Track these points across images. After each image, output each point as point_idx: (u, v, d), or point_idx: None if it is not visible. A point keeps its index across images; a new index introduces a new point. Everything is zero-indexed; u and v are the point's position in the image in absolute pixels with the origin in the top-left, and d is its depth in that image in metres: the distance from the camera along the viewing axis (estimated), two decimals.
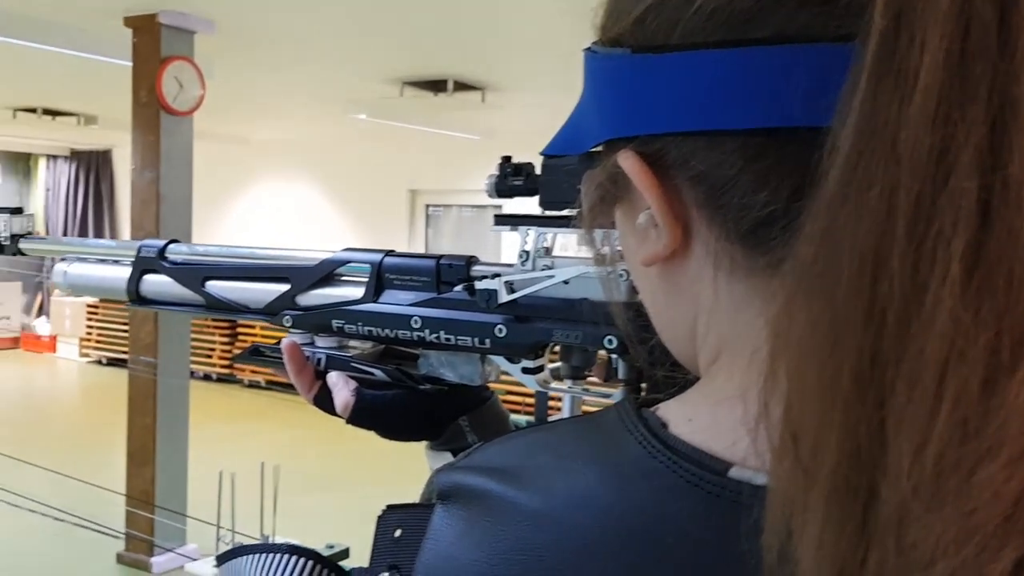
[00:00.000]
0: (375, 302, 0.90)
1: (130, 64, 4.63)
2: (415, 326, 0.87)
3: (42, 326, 11.74)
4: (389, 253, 0.92)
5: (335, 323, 0.93)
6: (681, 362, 0.52)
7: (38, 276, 12.10)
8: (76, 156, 12.19)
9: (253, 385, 9.47)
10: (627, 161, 0.44)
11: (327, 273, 0.95)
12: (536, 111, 7.29)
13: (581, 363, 0.84)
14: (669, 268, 0.47)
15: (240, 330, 9.62)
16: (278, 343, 1.00)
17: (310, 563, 0.65)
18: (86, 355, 11.07)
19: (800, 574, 0.35)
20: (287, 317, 0.97)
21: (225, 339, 9.64)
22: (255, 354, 1.04)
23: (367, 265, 0.92)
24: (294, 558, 0.65)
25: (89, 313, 10.98)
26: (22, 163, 12.50)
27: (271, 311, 0.99)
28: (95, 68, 5.93)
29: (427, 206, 9.58)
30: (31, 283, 12.04)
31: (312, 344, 0.97)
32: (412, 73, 5.79)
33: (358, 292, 0.92)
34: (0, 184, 12.29)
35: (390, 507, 0.53)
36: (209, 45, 4.89)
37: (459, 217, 9.53)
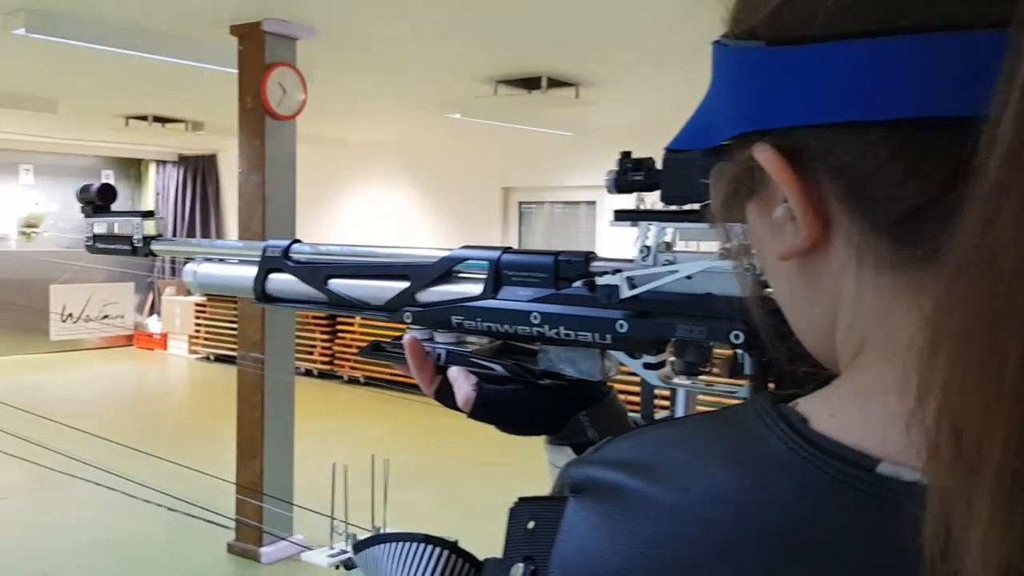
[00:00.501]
0: (494, 298, 0.92)
1: (236, 71, 4.78)
2: (534, 322, 0.88)
3: (154, 324, 12.27)
4: (507, 250, 0.93)
5: (454, 319, 0.95)
6: (815, 356, 0.51)
7: (150, 276, 12.65)
8: (184, 161, 12.69)
9: (352, 381, 9.70)
10: (764, 154, 0.44)
11: (446, 270, 0.97)
12: (631, 106, 7.25)
13: (696, 359, 0.83)
14: (807, 262, 0.46)
15: (339, 328, 9.86)
16: (398, 339, 1.02)
17: (445, 552, 0.66)
18: (195, 352, 11.53)
19: (964, 573, 0.34)
20: (407, 313, 0.99)
21: (325, 336, 9.90)
22: (376, 350, 1.06)
23: (485, 262, 0.93)
24: (430, 547, 0.66)
25: (197, 312, 11.42)
26: (133, 168, 13.08)
27: (391, 307, 1.01)
28: (202, 76, 6.17)
29: (520, 203, 9.62)
30: (143, 283, 12.60)
31: (431, 340, 0.99)
32: (506, 71, 5.82)
33: (476, 288, 0.94)
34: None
35: (522, 499, 0.54)
36: (310, 50, 5.03)
37: (551, 214, 9.54)
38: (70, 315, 11.55)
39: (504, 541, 0.52)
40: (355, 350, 9.69)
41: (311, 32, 4.78)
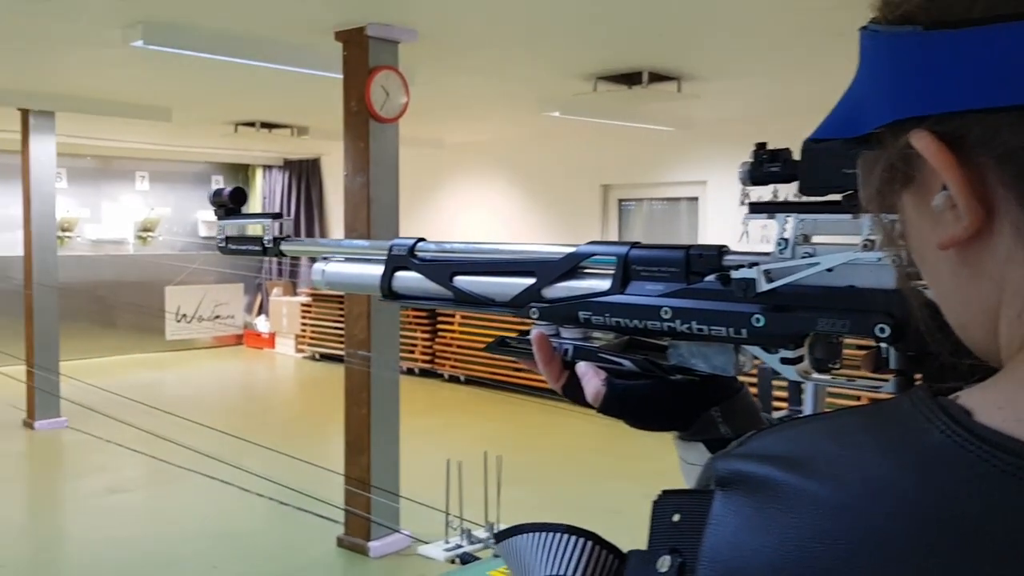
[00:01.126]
0: (622, 293, 0.91)
1: (341, 76, 4.90)
2: (665, 316, 0.87)
3: (262, 324, 12.69)
4: (635, 245, 0.93)
5: (582, 314, 0.94)
6: (972, 348, 0.50)
7: (258, 278, 13.09)
8: (289, 165, 13.08)
9: (452, 379, 9.83)
10: (922, 141, 0.43)
11: (572, 266, 0.97)
12: (735, 99, 7.12)
13: (826, 355, 0.81)
14: (968, 251, 0.45)
15: (440, 327, 10.00)
16: (523, 334, 1.02)
17: (589, 543, 0.66)
18: (301, 351, 11.87)
19: None
20: (533, 309, 0.99)
21: (426, 335, 10.05)
22: (502, 345, 1.07)
23: (613, 257, 0.93)
24: (574, 537, 0.66)
25: (303, 312, 11.77)
26: (241, 173, 13.55)
27: (517, 304, 1.02)
28: (307, 82, 6.34)
29: (620, 201, 9.56)
30: (252, 285, 13.05)
31: (557, 335, 1.00)
32: (605, 67, 5.80)
33: (603, 284, 0.93)
34: None
35: (666, 492, 0.53)
36: (411, 53, 5.11)
37: (650, 211, 9.45)
38: (184, 315, 12.06)
39: (648, 534, 0.52)
40: (455, 349, 9.82)
41: (413, 35, 4.86)
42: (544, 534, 0.68)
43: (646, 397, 0.91)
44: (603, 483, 6.22)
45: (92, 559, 4.87)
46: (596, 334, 0.99)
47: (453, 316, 9.85)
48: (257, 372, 11.39)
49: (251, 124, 9.01)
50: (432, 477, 5.38)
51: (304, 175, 12.93)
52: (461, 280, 1.06)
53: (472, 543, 1.72)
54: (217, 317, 12.26)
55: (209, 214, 13.05)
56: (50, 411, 7.85)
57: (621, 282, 0.92)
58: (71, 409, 7.75)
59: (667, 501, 0.53)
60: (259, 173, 13.47)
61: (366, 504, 4.69)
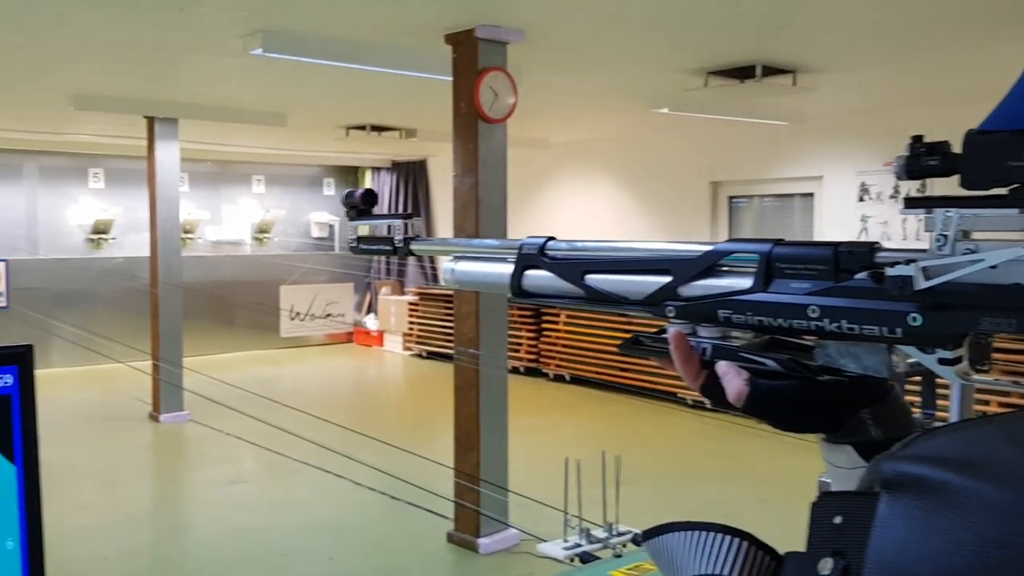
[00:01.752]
0: (765, 291, 0.89)
1: (450, 78, 4.96)
2: (812, 315, 0.85)
3: (371, 322, 13.00)
4: (778, 242, 0.90)
5: (722, 313, 0.93)
6: None
7: (367, 277, 13.41)
8: (396, 167, 13.36)
9: (558, 379, 9.84)
10: None
11: (711, 264, 0.95)
12: (854, 91, 6.89)
13: (976, 356, 0.77)
14: None
15: (545, 327, 10.02)
16: (658, 333, 1.01)
17: (745, 543, 0.65)
18: (409, 348, 12.11)
19: None
20: (670, 308, 0.98)
21: (531, 334, 10.10)
22: (635, 344, 1.06)
23: (755, 255, 0.91)
24: (728, 537, 0.65)
25: (411, 311, 11.99)
26: (351, 175, 13.91)
27: (652, 302, 1.00)
28: (417, 85, 6.45)
29: (730, 198, 9.37)
30: (361, 284, 13.38)
31: (694, 334, 0.98)
32: (717, 62, 5.70)
33: (744, 282, 0.91)
34: (333, 195, 13.76)
35: (827, 494, 0.52)
36: (519, 54, 5.14)
37: (760, 208, 9.23)
38: (298, 314, 12.45)
39: (807, 536, 0.51)
40: (560, 348, 9.82)
41: (520, 36, 4.88)
42: (697, 533, 0.67)
43: (791, 398, 0.88)
44: (714, 486, 6.12)
45: (214, 548, 5.08)
46: (735, 333, 0.97)
47: (558, 315, 9.86)
48: (366, 369, 11.66)
49: (361, 127, 9.23)
50: (539, 475, 5.40)
51: (411, 176, 13.17)
52: (593, 279, 1.06)
53: (591, 542, 1.72)
54: (328, 315, 12.61)
55: (321, 215, 13.48)
56: (174, 405, 8.22)
57: (764, 280, 0.90)
58: (193, 403, 8.11)
59: (828, 503, 0.52)
60: (368, 175, 13.79)
61: (475, 501, 4.74)
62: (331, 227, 13.59)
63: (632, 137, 9.92)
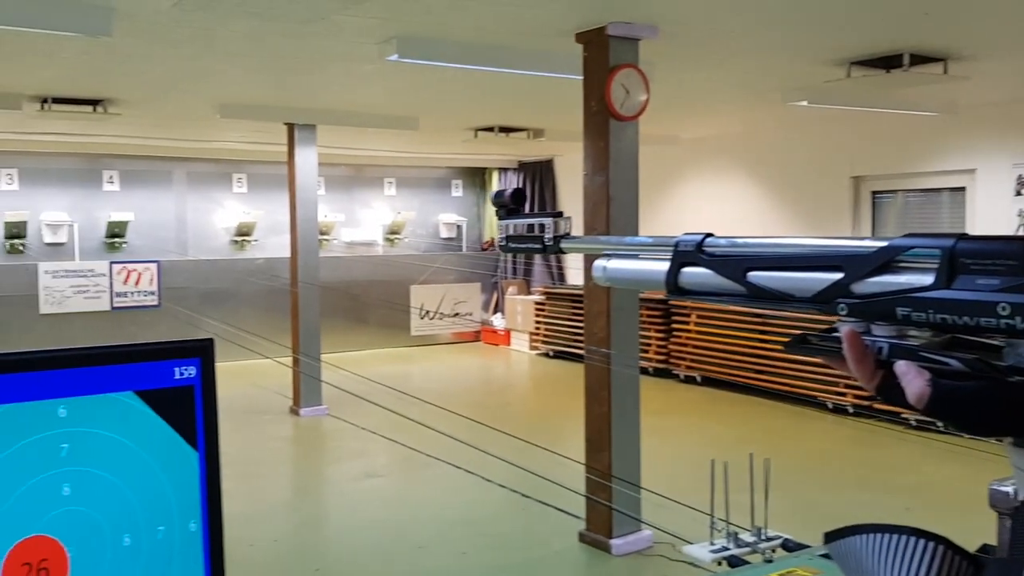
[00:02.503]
0: (948, 288, 0.85)
1: (580, 77, 4.95)
2: (1003, 313, 0.80)
3: (498, 321, 13.14)
4: (961, 237, 0.86)
5: (900, 311, 0.88)
6: None
7: (494, 276, 13.57)
8: (523, 167, 13.46)
9: (688, 380, 9.68)
10: None
11: (887, 260, 0.91)
12: (1011, 79, 6.49)
13: None
14: None
15: (675, 327, 9.88)
16: (827, 331, 0.98)
17: (941, 547, 0.62)
18: (535, 348, 12.17)
19: None
20: (842, 305, 0.95)
21: (661, 334, 9.97)
22: (803, 343, 1.03)
23: (936, 250, 0.87)
24: (923, 541, 0.63)
25: (537, 310, 12.05)
26: (478, 177, 14.10)
27: (822, 299, 0.97)
28: (545, 85, 6.48)
29: (873, 193, 8.97)
30: (488, 283, 13.54)
31: (868, 332, 0.94)
32: (860, 51, 5.47)
33: (923, 279, 0.87)
34: (460, 196, 13.98)
35: None
36: (651, 50, 5.08)
37: (905, 204, 8.81)
38: (427, 312, 12.72)
39: (1010, 542, 0.48)
40: (691, 349, 9.66)
41: (653, 32, 4.82)
42: (890, 536, 0.65)
43: (978, 399, 0.84)
44: (855, 494, 5.89)
45: (351, 539, 5.24)
46: (912, 332, 0.93)
47: (689, 315, 9.70)
48: (494, 368, 11.79)
49: (490, 129, 9.34)
50: (671, 478, 5.33)
51: (538, 176, 13.23)
52: (756, 275, 1.03)
53: (739, 546, 1.69)
54: (456, 314, 12.83)
55: (449, 216, 13.72)
56: (313, 400, 8.54)
57: (947, 276, 0.85)
58: (330, 398, 8.40)
59: None
60: (495, 176, 13.95)
61: (607, 501, 4.72)
62: (459, 228, 13.81)
63: (767, 132, 9.65)
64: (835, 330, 0.97)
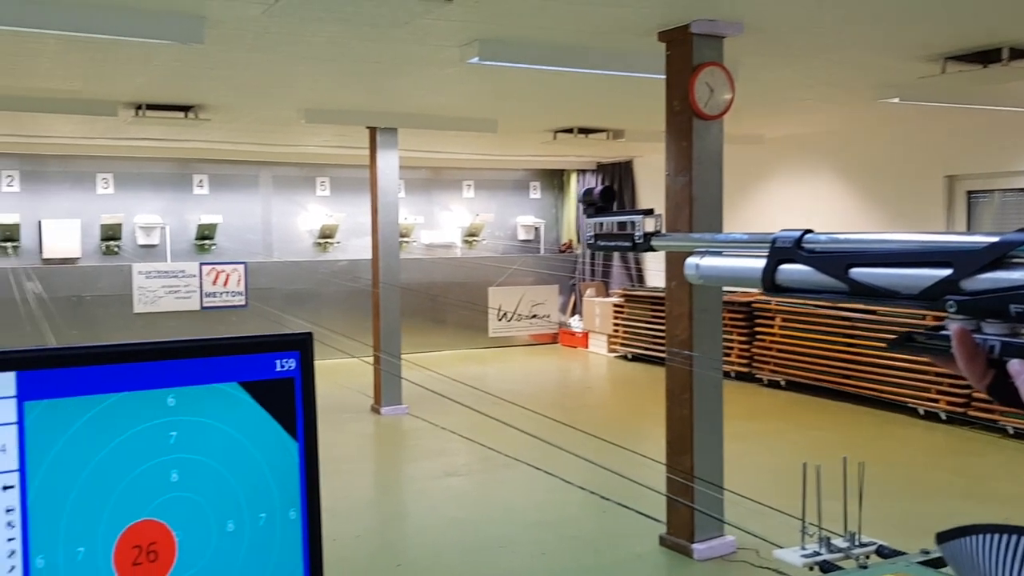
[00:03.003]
0: None
1: (663, 76, 4.91)
2: None
3: (575, 324, 13.11)
4: None
5: (1013, 308, 0.85)
6: None
7: (572, 278, 13.54)
8: (601, 168, 13.40)
9: (772, 384, 9.50)
10: None
11: (999, 256, 0.88)
12: None
13: None
14: None
15: (758, 330, 9.70)
16: (934, 329, 0.95)
17: None
18: (613, 350, 12.11)
19: None
20: (950, 303, 0.92)
21: (743, 338, 9.80)
22: (909, 341, 1.00)
23: None
24: None
25: (615, 312, 11.99)
26: (556, 179, 14.09)
27: (929, 296, 0.94)
28: (626, 85, 6.44)
29: (968, 192, 8.65)
30: (566, 285, 13.53)
31: (978, 330, 0.91)
32: (956, 46, 5.28)
33: None
34: (538, 198, 14.00)
35: None
36: (736, 47, 5.00)
37: (1002, 203, 8.47)
38: (505, 314, 12.77)
39: None
40: (775, 352, 9.47)
41: (739, 29, 4.75)
42: (1005, 536, 0.62)
43: None
44: (951, 503, 5.68)
45: (432, 536, 5.29)
46: None
47: (773, 318, 9.51)
48: (571, 370, 11.76)
49: (569, 131, 9.33)
50: (756, 483, 5.24)
51: (617, 177, 13.16)
52: (859, 272, 1.01)
53: (831, 552, 1.64)
54: (534, 316, 12.84)
55: (527, 218, 13.76)
56: (394, 399, 8.66)
57: None
58: (410, 398, 8.51)
59: None
60: (573, 177, 13.92)
61: (688, 506, 4.66)
62: (537, 229, 13.83)
63: (856, 130, 9.40)
64: (943, 328, 0.94)
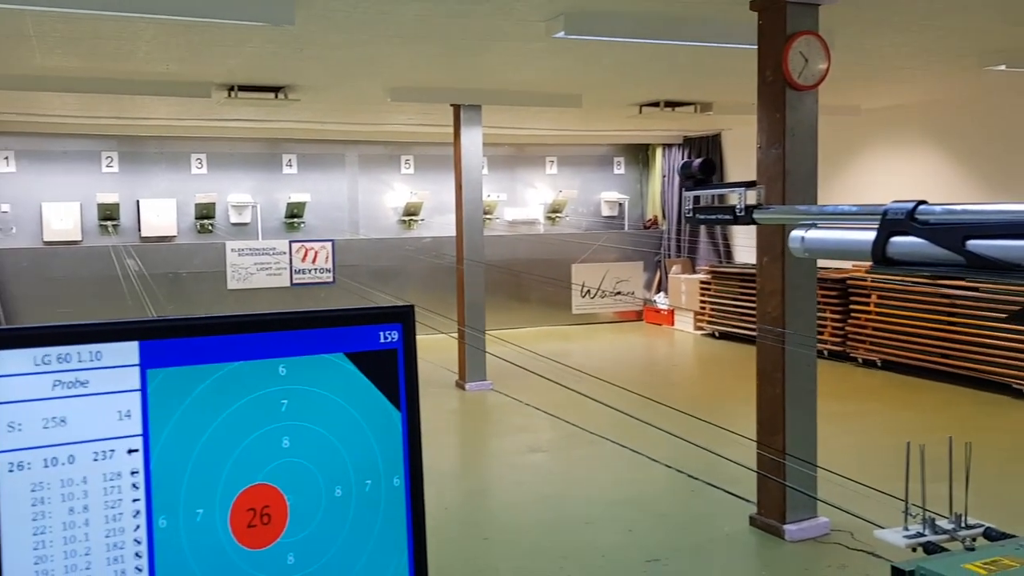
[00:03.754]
0: None
1: (755, 47, 4.78)
2: None
3: (661, 301, 12.98)
4: None
5: None
6: None
7: (657, 255, 13.40)
8: (688, 142, 13.18)
9: (867, 364, 9.24)
10: None
11: None
12: None
13: None
14: None
15: (853, 307, 9.43)
16: None
17: None
18: (700, 328, 11.95)
19: None
20: None
21: (837, 315, 9.55)
22: None
23: None
24: None
25: (702, 289, 11.82)
26: (641, 153, 13.92)
27: None
28: (715, 56, 6.30)
29: None
30: (651, 262, 13.40)
31: None
32: None
33: None
34: (623, 174, 13.86)
35: None
36: (831, 15, 4.84)
37: None
38: (588, 291, 12.72)
39: None
40: (870, 331, 9.21)
41: None
42: None
43: None
44: None
45: (517, 511, 5.34)
46: None
47: (868, 295, 9.24)
48: (656, 348, 11.66)
49: (655, 104, 9.20)
50: (850, 464, 5.10)
51: (704, 151, 12.93)
52: (977, 244, 0.97)
53: (936, 533, 1.59)
54: (618, 293, 12.76)
55: (611, 194, 13.65)
56: (478, 375, 8.74)
57: None
58: (494, 373, 8.57)
59: None
60: (659, 152, 13.73)
61: (781, 484, 4.59)
62: (621, 205, 13.71)
63: (959, 99, 9.00)
64: None
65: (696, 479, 5.54)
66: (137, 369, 0.91)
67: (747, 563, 4.53)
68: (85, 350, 0.89)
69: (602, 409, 6.33)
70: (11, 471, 0.88)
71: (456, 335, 8.91)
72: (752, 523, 4.78)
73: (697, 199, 1.47)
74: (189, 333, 0.93)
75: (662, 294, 13.06)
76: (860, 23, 5.30)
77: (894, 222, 1.08)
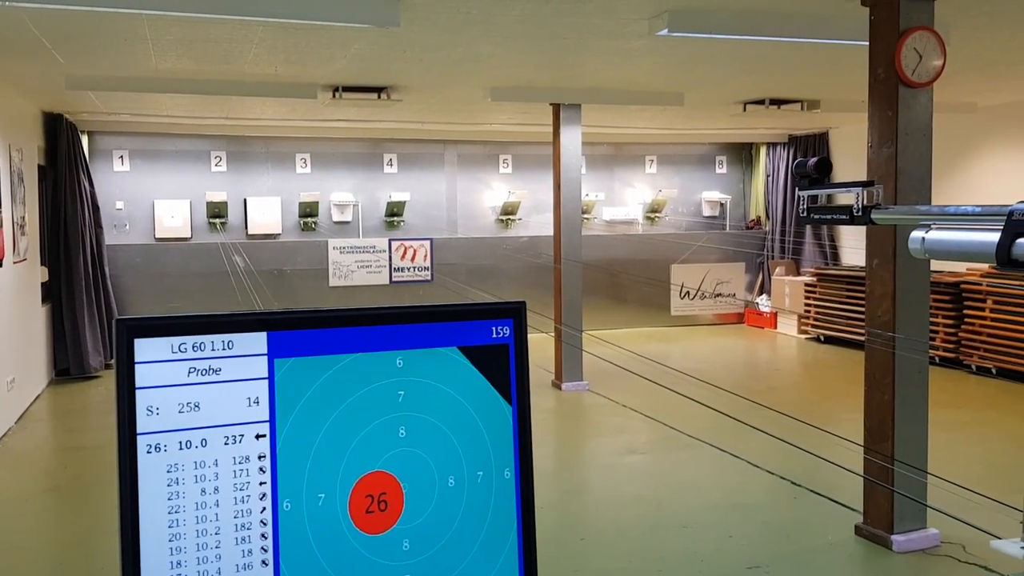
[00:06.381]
0: None
1: (866, 43, 4.64)
2: None
3: (764, 303, 12.71)
4: None
5: None
6: None
7: (760, 256, 13.13)
8: (793, 141, 12.86)
9: (981, 371, 8.84)
10: None
11: None
12: None
13: None
14: None
15: (967, 313, 9.05)
16: None
17: None
18: (804, 332, 11.65)
19: None
20: None
21: (949, 322, 9.17)
22: None
23: None
24: None
25: (807, 292, 11.51)
26: (744, 152, 13.66)
27: None
28: (823, 53, 6.13)
29: None
30: (753, 263, 13.13)
31: None
32: None
33: None
34: (725, 173, 13.63)
35: None
36: (947, 9, 4.66)
37: None
38: (688, 292, 12.56)
39: None
40: (985, 338, 8.81)
41: None
42: None
43: None
44: None
45: (615, 512, 5.31)
46: None
47: (984, 300, 8.84)
48: (759, 351, 11.43)
49: (760, 102, 9.01)
50: (963, 475, 4.91)
51: (811, 150, 12.59)
52: None
53: None
54: (719, 295, 12.56)
55: (712, 194, 13.43)
56: (575, 375, 8.74)
57: None
58: (591, 374, 8.54)
59: None
60: (763, 151, 13.44)
61: (889, 494, 4.44)
62: (722, 205, 13.48)
63: None
64: None
65: (799, 485, 5.41)
66: (265, 358, 0.96)
67: (852, 574, 4.40)
68: (218, 339, 0.94)
69: (700, 412, 6.24)
70: (149, 452, 0.94)
71: (553, 333, 8.92)
72: (858, 532, 4.64)
73: (814, 199, 1.45)
74: (314, 325, 0.97)
75: (764, 296, 12.79)
76: (978, 16, 5.09)
77: (1021, 223, 1.05)
